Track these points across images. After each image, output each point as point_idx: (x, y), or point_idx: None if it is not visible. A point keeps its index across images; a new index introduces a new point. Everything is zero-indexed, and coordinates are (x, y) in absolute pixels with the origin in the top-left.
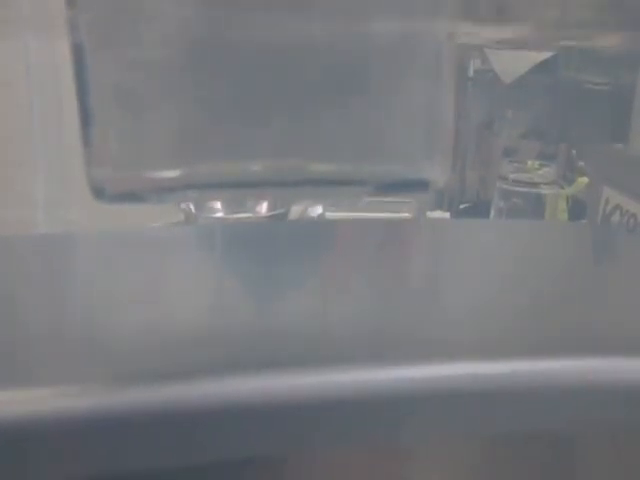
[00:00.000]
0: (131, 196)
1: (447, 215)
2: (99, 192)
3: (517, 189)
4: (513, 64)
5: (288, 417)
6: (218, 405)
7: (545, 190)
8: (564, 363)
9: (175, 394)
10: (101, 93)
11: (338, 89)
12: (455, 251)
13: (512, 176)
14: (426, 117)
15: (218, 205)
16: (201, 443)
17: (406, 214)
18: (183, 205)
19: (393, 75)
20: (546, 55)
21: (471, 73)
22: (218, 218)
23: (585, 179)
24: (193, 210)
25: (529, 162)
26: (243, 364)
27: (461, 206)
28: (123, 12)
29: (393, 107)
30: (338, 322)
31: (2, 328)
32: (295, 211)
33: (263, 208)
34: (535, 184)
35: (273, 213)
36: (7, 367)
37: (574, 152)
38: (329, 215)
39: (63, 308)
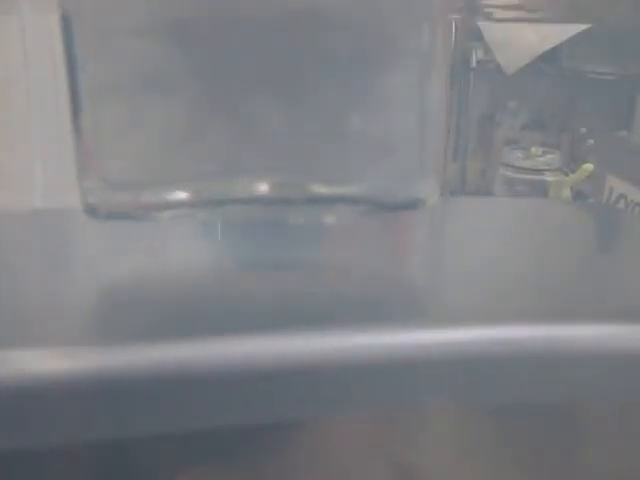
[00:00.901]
0: (124, 215)
1: None
2: (92, 211)
3: (520, 176)
4: (516, 55)
5: (284, 382)
6: (224, 366)
7: (548, 177)
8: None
9: (167, 356)
10: (94, 107)
11: (337, 109)
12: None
13: (515, 163)
14: (419, 138)
15: None
16: (200, 407)
17: None
18: None
19: (387, 95)
20: (550, 45)
21: (473, 64)
22: None
23: (589, 166)
24: None
25: (532, 149)
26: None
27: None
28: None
29: (387, 129)
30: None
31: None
32: None
33: None
34: (538, 171)
35: None
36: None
37: (577, 140)
38: None
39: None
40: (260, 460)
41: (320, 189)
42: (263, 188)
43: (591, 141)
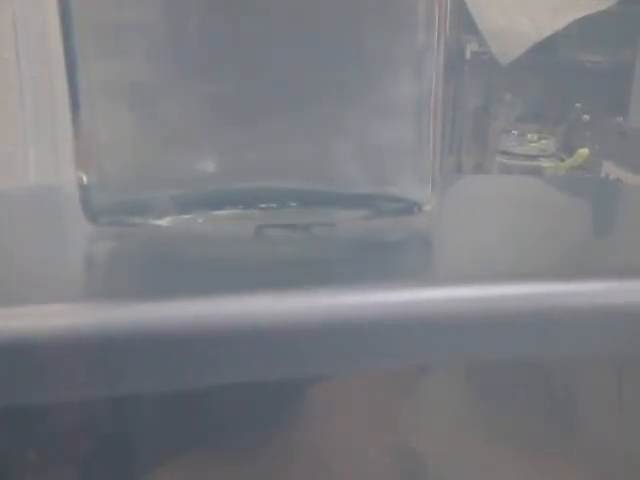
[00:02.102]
0: (124, 222)
1: None
2: (93, 218)
3: (516, 162)
4: (510, 45)
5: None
6: (230, 324)
7: (544, 163)
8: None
9: (173, 313)
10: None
11: (335, 114)
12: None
13: (511, 149)
14: (416, 144)
15: None
16: (200, 365)
17: None
18: None
19: (385, 102)
20: (544, 35)
21: (468, 56)
22: None
23: (585, 150)
24: None
25: (528, 135)
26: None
27: None
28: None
29: (385, 135)
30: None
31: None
32: None
33: None
34: (534, 157)
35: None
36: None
37: (573, 127)
38: None
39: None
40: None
41: (318, 193)
42: (262, 191)
43: (586, 124)
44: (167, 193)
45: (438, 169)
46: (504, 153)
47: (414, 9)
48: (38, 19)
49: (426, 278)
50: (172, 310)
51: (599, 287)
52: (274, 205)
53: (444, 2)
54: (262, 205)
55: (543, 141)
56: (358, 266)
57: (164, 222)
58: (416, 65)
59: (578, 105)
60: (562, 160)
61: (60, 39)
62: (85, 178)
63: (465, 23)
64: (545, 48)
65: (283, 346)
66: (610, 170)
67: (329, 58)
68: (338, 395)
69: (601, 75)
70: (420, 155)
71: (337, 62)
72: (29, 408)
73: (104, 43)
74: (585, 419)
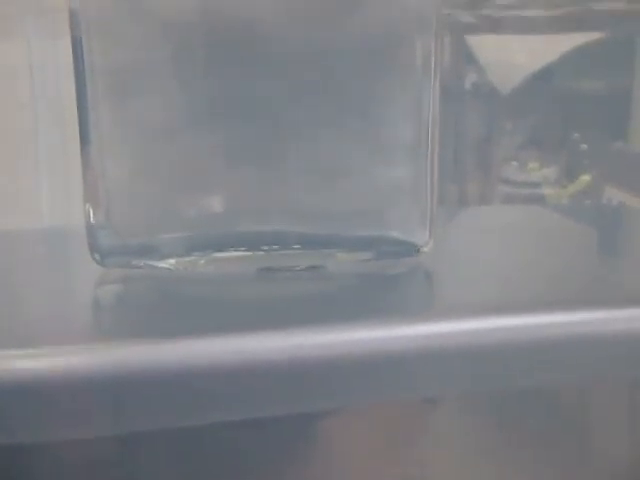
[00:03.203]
0: (131, 263)
1: None
2: (100, 260)
3: (518, 190)
4: (508, 75)
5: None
6: (236, 363)
7: (547, 190)
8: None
9: (183, 351)
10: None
11: (335, 160)
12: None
13: (513, 177)
14: (415, 188)
15: None
16: (208, 402)
17: None
18: None
19: (385, 143)
20: (541, 64)
21: (468, 86)
22: None
23: (587, 177)
24: None
25: (529, 163)
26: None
27: None
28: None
29: (385, 176)
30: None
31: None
32: None
33: None
34: (536, 184)
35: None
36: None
37: (574, 153)
38: None
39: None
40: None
41: (320, 236)
42: (266, 234)
43: (587, 152)
44: (173, 235)
45: (436, 210)
46: (506, 181)
47: (412, 53)
48: (53, 64)
49: (429, 312)
50: (179, 349)
51: (606, 315)
52: (277, 247)
53: (439, 45)
54: (265, 247)
55: (544, 169)
56: (359, 302)
57: (169, 263)
58: (414, 108)
59: (576, 135)
60: (564, 187)
61: (73, 83)
62: (93, 220)
63: (464, 55)
64: (542, 77)
65: (291, 382)
66: (612, 194)
67: (329, 103)
68: (343, 430)
69: (599, 101)
70: (418, 197)
71: (337, 108)
72: (37, 447)
73: (115, 86)
74: (596, 445)
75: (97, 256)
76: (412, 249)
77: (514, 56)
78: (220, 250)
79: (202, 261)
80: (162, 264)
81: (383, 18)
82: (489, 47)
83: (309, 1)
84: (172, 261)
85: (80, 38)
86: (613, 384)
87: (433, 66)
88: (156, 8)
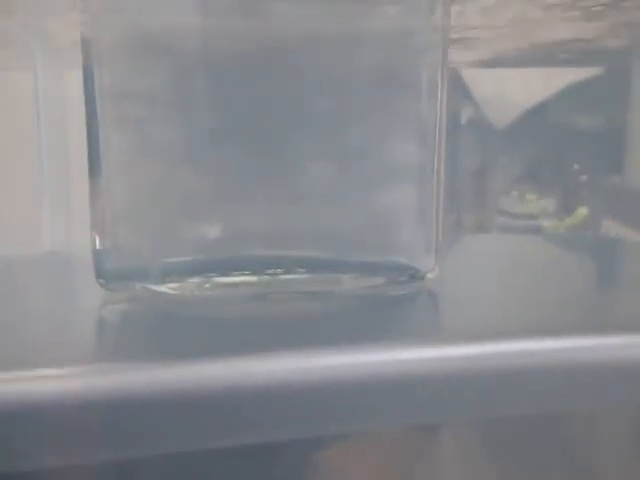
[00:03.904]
0: (135, 287)
1: None
2: (105, 283)
3: (516, 222)
4: (504, 111)
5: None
6: (230, 387)
7: (544, 222)
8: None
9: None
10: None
11: (340, 185)
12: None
13: (510, 209)
14: (420, 214)
15: None
16: (211, 427)
17: None
18: None
19: (390, 167)
20: (536, 100)
21: (463, 120)
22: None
23: (584, 209)
24: None
25: (527, 195)
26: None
27: None
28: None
29: (390, 201)
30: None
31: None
32: None
33: None
34: (534, 216)
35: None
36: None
37: (571, 187)
38: None
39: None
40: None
41: (324, 260)
42: (270, 258)
43: (584, 184)
44: (177, 260)
45: (441, 236)
46: (504, 213)
47: (418, 78)
48: (58, 92)
49: (431, 337)
50: (184, 372)
51: (604, 342)
52: (280, 271)
53: (445, 71)
54: (269, 271)
55: (542, 200)
56: (361, 326)
57: (173, 288)
58: (420, 136)
59: (576, 166)
60: (562, 219)
61: (79, 109)
62: (98, 245)
63: (460, 90)
64: (538, 112)
65: (293, 407)
66: (610, 227)
67: (334, 130)
68: (341, 457)
69: (594, 136)
70: (424, 223)
71: (342, 134)
72: (40, 472)
73: (123, 115)
74: (601, 474)
75: (102, 280)
76: (417, 275)
77: (509, 92)
78: (224, 274)
79: (207, 285)
80: (166, 288)
81: (391, 48)
82: (485, 82)
83: (314, 32)
84: (176, 285)
85: (91, 68)
86: (618, 412)
87: (440, 95)
88: (165, 38)
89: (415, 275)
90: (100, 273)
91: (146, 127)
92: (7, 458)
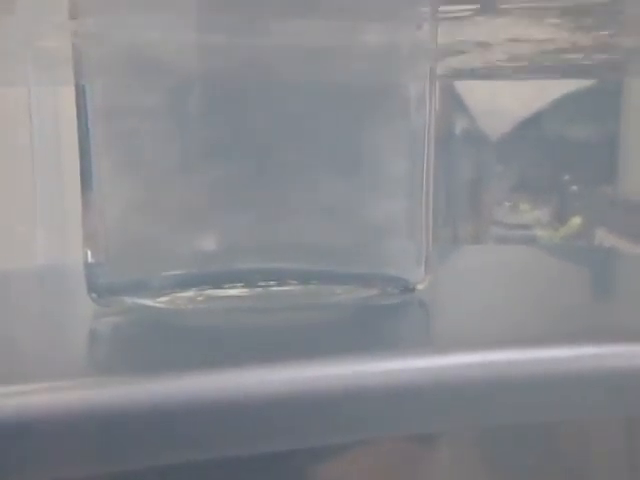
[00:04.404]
0: (128, 301)
1: None
2: (98, 297)
3: (510, 232)
4: (498, 122)
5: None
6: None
7: (539, 232)
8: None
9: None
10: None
11: (332, 198)
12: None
13: (505, 220)
14: (410, 226)
15: None
16: (205, 438)
17: None
18: None
19: (379, 179)
20: (529, 112)
21: (458, 132)
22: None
23: (578, 219)
24: None
25: (521, 205)
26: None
27: None
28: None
29: (381, 216)
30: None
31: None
32: None
33: None
34: (528, 226)
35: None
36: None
37: (565, 197)
38: None
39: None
40: None
41: (317, 272)
42: (262, 271)
43: (577, 194)
44: (170, 273)
45: (431, 248)
46: (498, 223)
47: (406, 92)
48: (51, 108)
49: (424, 347)
50: (176, 384)
51: (597, 351)
52: (273, 284)
53: (433, 85)
54: (262, 283)
55: (536, 211)
56: (354, 336)
57: (165, 300)
58: (409, 147)
59: (566, 177)
60: (556, 229)
61: (72, 124)
62: (90, 259)
63: (454, 101)
64: (532, 122)
65: (289, 417)
66: (603, 237)
67: (325, 144)
68: (336, 467)
69: (587, 147)
70: (413, 235)
71: (333, 148)
72: None
73: (116, 125)
74: None
75: (94, 295)
76: (408, 286)
77: (503, 103)
78: (217, 287)
79: (199, 298)
80: (159, 302)
81: (379, 64)
82: (478, 94)
83: (307, 48)
84: (169, 299)
85: (83, 85)
86: (613, 422)
87: (428, 108)
88: (156, 55)
89: (406, 286)
90: (92, 287)
91: (138, 142)
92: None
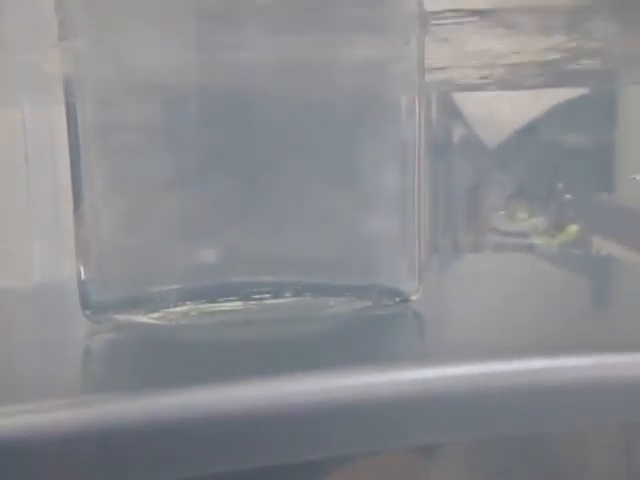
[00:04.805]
0: (121, 317)
1: None
2: (91, 314)
3: (508, 240)
4: (494, 130)
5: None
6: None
7: (536, 240)
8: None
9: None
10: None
11: (325, 211)
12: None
13: (502, 227)
14: (403, 237)
15: None
16: (201, 453)
17: None
18: None
19: (373, 192)
20: (525, 120)
21: (455, 140)
22: None
23: (574, 227)
24: None
25: (518, 213)
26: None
27: None
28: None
29: (374, 229)
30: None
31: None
32: None
33: None
34: (525, 234)
35: None
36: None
37: (561, 205)
38: None
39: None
40: None
41: (311, 285)
42: (257, 284)
43: (573, 202)
44: (163, 288)
45: (423, 259)
46: (496, 231)
47: (396, 105)
48: (45, 123)
49: (423, 357)
50: (172, 400)
51: (596, 361)
52: (267, 296)
53: (422, 98)
54: (256, 297)
55: (533, 219)
56: (350, 348)
57: (159, 315)
58: (400, 161)
59: (560, 185)
60: (553, 237)
61: (65, 139)
62: (84, 276)
63: (452, 111)
64: (528, 131)
65: (284, 430)
66: (600, 245)
67: (317, 158)
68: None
69: (583, 154)
70: (406, 246)
71: (325, 162)
72: None
73: (106, 146)
74: None
75: (88, 312)
76: (402, 297)
77: (500, 112)
78: (212, 301)
79: (193, 313)
80: (152, 318)
81: (369, 79)
82: (475, 103)
83: (297, 63)
84: (163, 314)
85: (74, 103)
86: (610, 431)
87: (417, 120)
88: (144, 72)
89: (400, 297)
90: (86, 304)
91: (128, 157)
92: None
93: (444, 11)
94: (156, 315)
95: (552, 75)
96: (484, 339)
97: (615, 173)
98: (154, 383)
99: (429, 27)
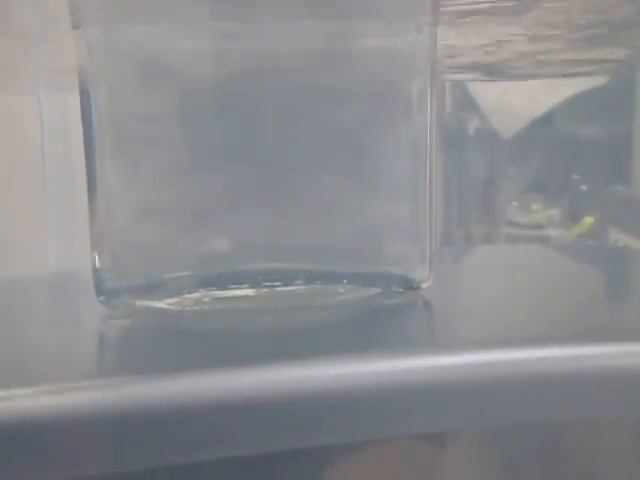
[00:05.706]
0: (135, 303)
1: None
2: (106, 300)
3: (522, 232)
4: (510, 120)
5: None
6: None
7: (551, 232)
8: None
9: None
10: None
11: (336, 199)
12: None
13: (517, 220)
14: (414, 225)
15: None
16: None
17: None
18: None
19: (384, 180)
20: (541, 110)
21: (471, 131)
22: None
23: (590, 218)
24: None
25: (533, 205)
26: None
27: None
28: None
29: (385, 216)
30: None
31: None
32: None
33: None
34: (540, 226)
35: None
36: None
37: (577, 196)
38: None
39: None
40: None
41: (322, 272)
42: (268, 271)
43: (588, 194)
44: (176, 275)
45: (435, 247)
46: (510, 223)
47: (408, 94)
48: (62, 114)
49: (435, 346)
50: (186, 385)
51: (606, 350)
52: (279, 284)
53: (434, 87)
54: (267, 284)
55: (548, 210)
56: (360, 335)
57: (172, 303)
58: (411, 149)
59: (575, 177)
60: (568, 229)
61: (80, 128)
62: (98, 263)
63: (467, 101)
64: (544, 122)
65: (295, 417)
66: (617, 237)
67: (329, 146)
68: (338, 468)
69: (599, 145)
70: (417, 234)
71: (336, 150)
72: None
73: (120, 135)
74: None
75: (102, 298)
76: (412, 285)
77: (515, 102)
78: (224, 288)
79: (206, 299)
80: (165, 304)
81: (380, 65)
82: (490, 94)
83: (308, 50)
84: (176, 300)
85: (88, 92)
86: (619, 422)
87: (429, 108)
88: (161, 60)
89: (410, 285)
90: (100, 291)
91: (143, 147)
92: (10, 474)
93: None
94: (169, 301)
95: (572, 63)
96: (495, 328)
97: (632, 164)
98: (168, 367)
99: (441, 15)
